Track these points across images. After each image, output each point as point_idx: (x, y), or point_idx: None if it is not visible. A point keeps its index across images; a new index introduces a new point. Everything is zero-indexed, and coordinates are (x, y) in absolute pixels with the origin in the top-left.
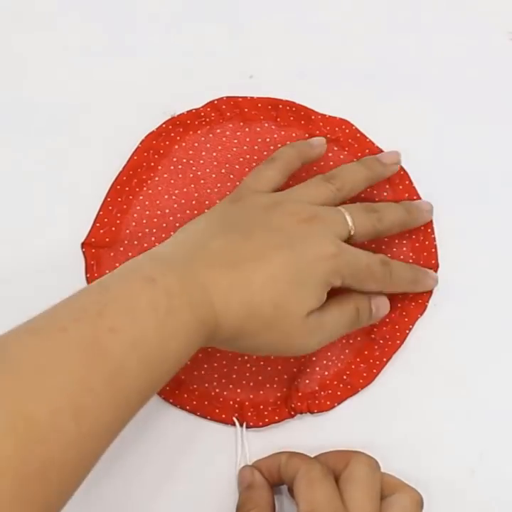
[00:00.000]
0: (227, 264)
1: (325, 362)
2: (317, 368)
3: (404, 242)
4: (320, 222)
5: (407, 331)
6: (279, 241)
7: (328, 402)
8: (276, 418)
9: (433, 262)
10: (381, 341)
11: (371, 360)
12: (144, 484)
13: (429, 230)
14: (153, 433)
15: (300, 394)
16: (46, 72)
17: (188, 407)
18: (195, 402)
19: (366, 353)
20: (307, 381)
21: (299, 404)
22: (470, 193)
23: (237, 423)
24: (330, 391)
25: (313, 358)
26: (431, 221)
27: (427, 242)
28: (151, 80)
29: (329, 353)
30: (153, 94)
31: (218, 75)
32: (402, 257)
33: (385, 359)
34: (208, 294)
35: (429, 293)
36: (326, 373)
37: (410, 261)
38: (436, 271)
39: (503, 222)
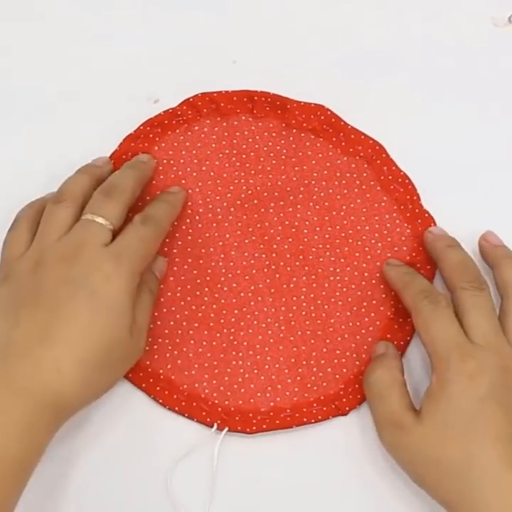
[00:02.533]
0: (44, 343)
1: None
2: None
3: (395, 214)
4: (78, 254)
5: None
6: (71, 290)
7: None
8: (265, 427)
9: (432, 225)
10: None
11: None
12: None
13: (415, 198)
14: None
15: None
16: (29, 60)
17: (176, 408)
18: (183, 403)
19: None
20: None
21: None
22: (451, 178)
23: (214, 429)
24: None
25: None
26: (414, 189)
27: (417, 210)
28: (134, 66)
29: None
30: (137, 79)
31: (202, 60)
32: (398, 229)
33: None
34: (37, 380)
35: None
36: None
37: (408, 231)
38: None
39: (483, 206)
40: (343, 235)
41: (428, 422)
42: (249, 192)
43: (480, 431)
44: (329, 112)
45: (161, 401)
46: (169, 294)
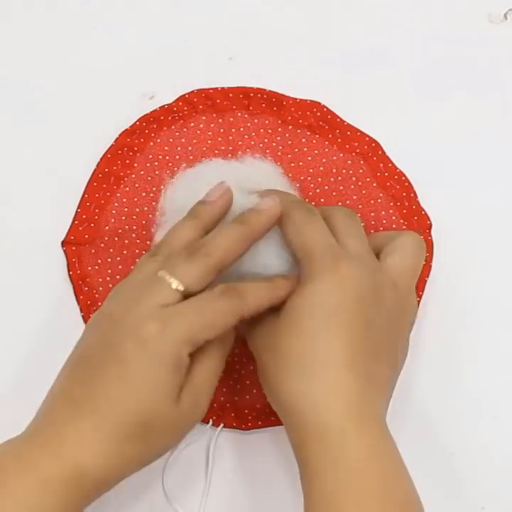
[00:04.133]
0: (69, 410)
1: None
2: None
3: (391, 211)
4: (127, 312)
5: None
6: (106, 358)
7: None
8: (260, 423)
9: (428, 222)
10: None
11: None
12: None
13: (412, 195)
14: None
15: None
16: (24, 56)
17: None
18: None
19: None
20: None
21: None
22: (446, 174)
23: (209, 425)
24: None
25: None
26: (410, 186)
27: (414, 207)
28: (130, 62)
29: None
30: (132, 75)
31: (198, 56)
32: (394, 226)
33: None
34: (56, 453)
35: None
36: None
37: (404, 228)
38: (430, 230)
39: (478, 202)
40: None
41: (288, 313)
42: None
43: (332, 329)
44: (325, 109)
45: None
46: None
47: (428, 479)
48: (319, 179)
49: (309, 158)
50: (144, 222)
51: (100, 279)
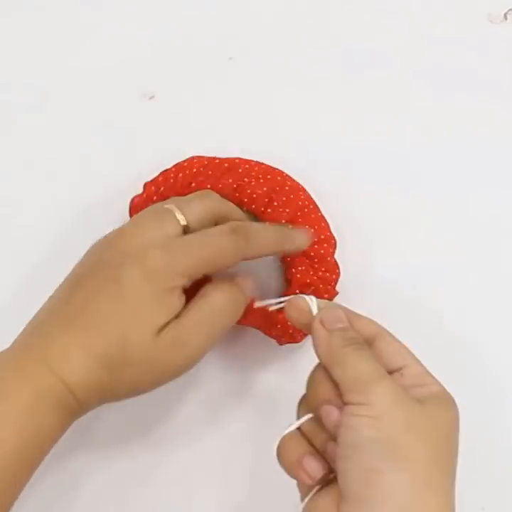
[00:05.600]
0: (60, 325)
1: None
2: None
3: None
4: (137, 233)
5: None
6: (103, 277)
7: None
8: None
9: (328, 234)
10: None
11: None
12: None
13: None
14: None
15: None
16: (22, 56)
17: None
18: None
19: None
20: None
21: None
22: (448, 169)
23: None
24: None
25: None
26: (311, 200)
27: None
28: (129, 62)
29: None
30: (132, 76)
31: (197, 56)
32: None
33: None
34: (47, 364)
35: (334, 290)
36: None
37: None
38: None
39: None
40: None
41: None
42: None
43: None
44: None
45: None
46: None
47: None
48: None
49: None
50: None
51: None
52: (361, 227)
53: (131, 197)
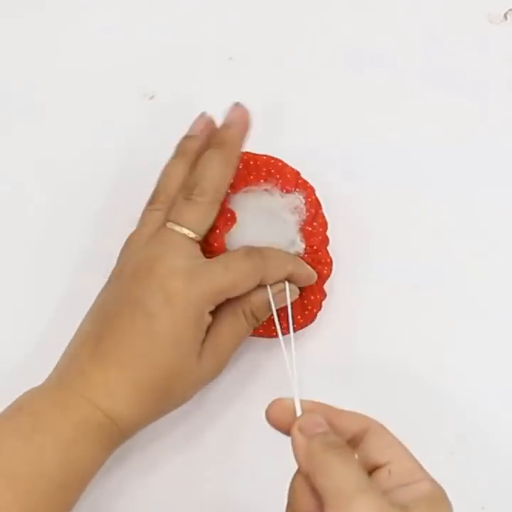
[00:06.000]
0: (96, 361)
1: None
2: None
3: None
4: (150, 270)
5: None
6: (131, 313)
7: None
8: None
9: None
10: None
11: None
12: None
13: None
14: None
15: None
16: (22, 56)
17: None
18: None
19: None
20: None
21: None
22: (448, 169)
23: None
24: None
25: None
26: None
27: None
28: (129, 62)
29: None
30: (132, 76)
31: (198, 56)
32: None
33: None
34: (87, 398)
35: (319, 305)
36: None
37: None
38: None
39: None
40: None
41: None
42: None
43: None
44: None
45: None
46: None
47: None
48: None
49: None
50: None
51: None
52: (361, 227)
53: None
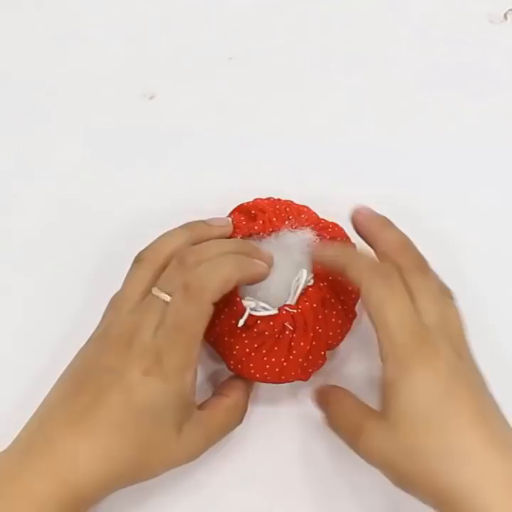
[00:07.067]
0: (66, 427)
1: None
2: None
3: None
4: (131, 339)
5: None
6: (108, 382)
7: None
8: None
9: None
10: None
11: None
12: None
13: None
14: None
15: None
16: (21, 57)
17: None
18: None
19: None
20: None
21: None
22: (448, 170)
23: None
24: None
25: None
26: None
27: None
28: (129, 62)
29: None
30: (133, 75)
31: (198, 56)
32: None
33: None
34: (53, 472)
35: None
36: None
37: None
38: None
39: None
40: None
41: (395, 417)
42: None
43: (452, 415)
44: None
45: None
46: None
47: None
48: None
49: None
50: None
51: None
52: None
53: None
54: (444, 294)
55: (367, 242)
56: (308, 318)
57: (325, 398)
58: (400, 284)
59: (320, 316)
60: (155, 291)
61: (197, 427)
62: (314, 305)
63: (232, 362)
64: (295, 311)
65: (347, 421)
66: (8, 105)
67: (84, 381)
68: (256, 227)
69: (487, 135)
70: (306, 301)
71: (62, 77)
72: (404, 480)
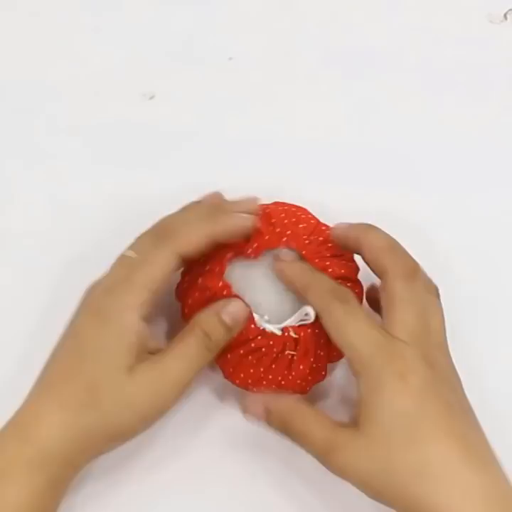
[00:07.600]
0: (34, 391)
1: None
2: None
3: None
4: (91, 286)
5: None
6: (64, 336)
7: None
8: None
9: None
10: None
11: None
12: None
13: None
14: None
15: None
16: (22, 56)
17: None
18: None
19: None
20: None
21: None
22: (447, 169)
23: None
24: None
25: None
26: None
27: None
28: (129, 62)
29: None
30: (133, 75)
31: (198, 56)
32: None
33: None
34: (18, 432)
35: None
36: None
37: None
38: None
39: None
40: None
41: (369, 432)
42: None
43: (427, 431)
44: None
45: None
46: None
47: None
48: None
49: None
50: None
51: None
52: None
53: None
54: (429, 292)
55: (353, 250)
56: (311, 345)
57: (283, 418)
58: (357, 305)
59: (322, 341)
60: (126, 251)
61: (152, 367)
62: (317, 331)
63: (230, 370)
64: (297, 336)
65: (316, 438)
66: (8, 105)
67: (61, 344)
68: (249, 251)
69: (487, 135)
70: (308, 329)
71: (62, 77)
72: (380, 496)
